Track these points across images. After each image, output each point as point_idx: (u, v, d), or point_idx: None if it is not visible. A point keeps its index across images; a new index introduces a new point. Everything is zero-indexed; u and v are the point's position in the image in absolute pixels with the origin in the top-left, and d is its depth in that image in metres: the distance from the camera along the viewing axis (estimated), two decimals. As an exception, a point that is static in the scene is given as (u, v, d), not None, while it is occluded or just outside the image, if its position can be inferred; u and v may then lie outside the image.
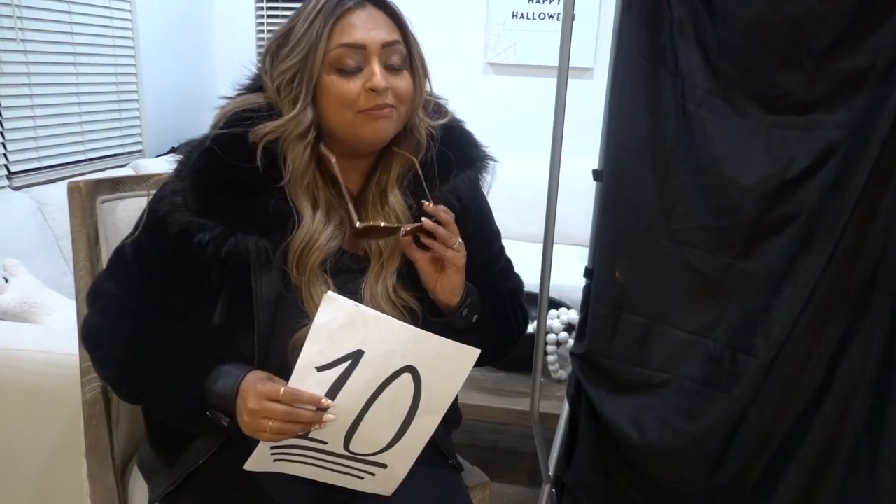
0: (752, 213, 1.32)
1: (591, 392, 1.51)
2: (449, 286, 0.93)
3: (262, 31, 3.75)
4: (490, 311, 1.01)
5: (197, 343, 0.91)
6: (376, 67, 0.88)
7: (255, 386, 0.83)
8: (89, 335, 0.97)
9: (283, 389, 0.80)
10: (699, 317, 1.41)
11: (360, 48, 0.88)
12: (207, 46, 3.76)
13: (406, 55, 0.93)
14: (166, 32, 3.36)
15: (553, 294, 1.73)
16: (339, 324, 0.81)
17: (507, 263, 1.13)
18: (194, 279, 0.91)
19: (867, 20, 1.18)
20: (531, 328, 1.74)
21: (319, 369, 0.82)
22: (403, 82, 0.92)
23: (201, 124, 3.57)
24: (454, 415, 1.12)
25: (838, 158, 1.24)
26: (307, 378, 0.82)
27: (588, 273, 1.51)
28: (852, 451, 1.34)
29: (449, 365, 0.86)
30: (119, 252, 0.97)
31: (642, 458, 1.46)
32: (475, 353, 0.85)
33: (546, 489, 1.54)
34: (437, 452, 1.06)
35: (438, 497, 0.99)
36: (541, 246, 1.54)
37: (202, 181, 0.89)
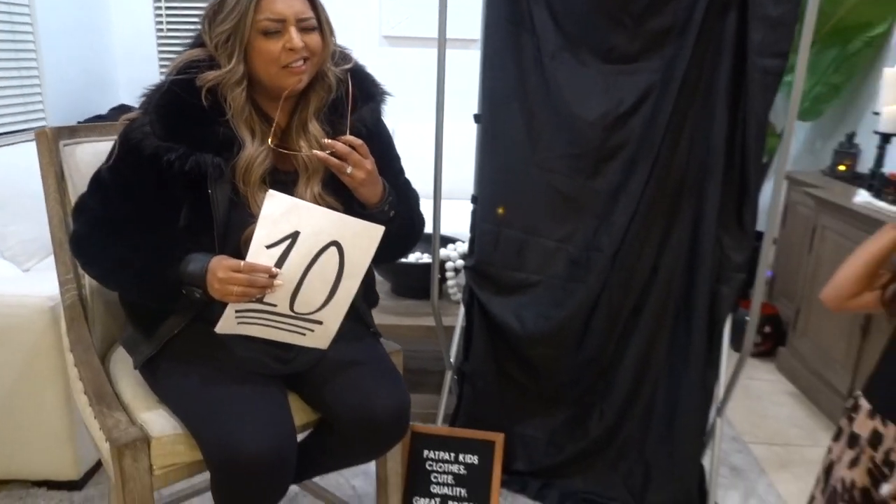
0: (595, 142, 1.70)
1: (481, 295, 1.86)
2: (367, 191, 1.23)
3: (159, 6, 3.82)
4: (402, 210, 1.32)
5: (167, 242, 1.17)
6: (293, 32, 1.16)
7: (221, 262, 1.10)
8: (77, 243, 1.21)
9: (243, 263, 1.09)
10: (562, 228, 1.79)
11: (281, 19, 1.15)
12: (105, 19, 3.79)
13: (316, 20, 1.21)
14: (65, 5, 3.39)
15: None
16: (280, 212, 1.08)
17: (407, 180, 1.44)
18: (162, 192, 1.16)
19: (667, -9, 1.57)
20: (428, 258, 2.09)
21: (268, 247, 1.09)
22: (314, 40, 1.19)
23: (105, 97, 3.73)
24: (372, 294, 1.43)
25: (654, 96, 1.64)
26: (260, 254, 1.10)
27: (474, 199, 1.85)
28: (674, 319, 1.77)
29: (363, 239, 1.12)
30: (97, 176, 1.20)
31: (524, 344, 1.83)
32: (380, 229, 1.13)
33: (448, 375, 1.89)
34: (362, 324, 1.37)
35: (364, 351, 1.31)
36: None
37: (166, 114, 1.14)
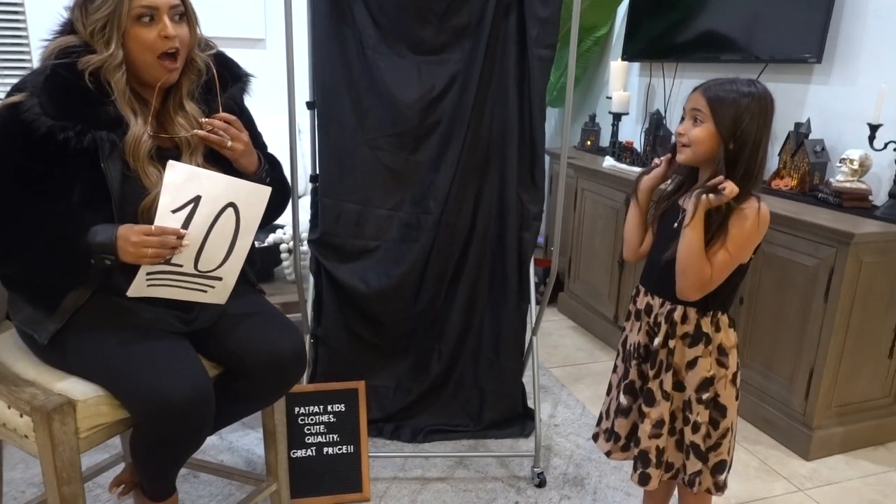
0: (414, 121, 2.00)
1: (327, 265, 2.07)
2: (245, 161, 1.37)
3: None
4: (274, 176, 1.49)
5: (66, 219, 1.20)
6: (167, 21, 1.27)
7: (132, 229, 1.18)
8: None
9: (153, 226, 1.18)
10: (392, 198, 2.06)
11: (153, 7, 1.25)
12: None
13: (184, 11, 1.33)
14: None
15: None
16: (182, 179, 1.20)
17: (270, 152, 1.60)
18: (54, 170, 1.20)
19: (462, -6, 1.92)
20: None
21: (173, 211, 1.21)
22: (184, 31, 1.31)
23: None
24: (253, 256, 1.58)
25: (460, 81, 1.98)
26: (167, 219, 1.20)
27: (313, 178, 2.05)
28: (491, 264, 2.14)
29: (254, 199, 1.27)
30: None
31: (369, 302, 2.07)
32: (268, 189, 1.29)
33: (307, 339, 2.06)
34: (248, 283, 1.52)
35: (256, 304, 1.46)
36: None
37: (56, 95, 1.18)
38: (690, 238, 1.29)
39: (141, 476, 1.38)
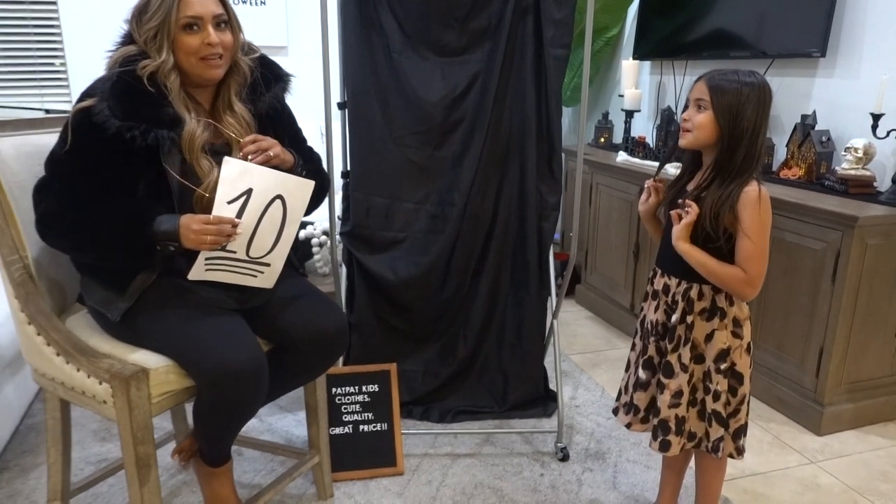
0: (439, 119, 2.13)
1: (359, 256, 2.20)
2: (281, 160, 1.48)
3: None
4: (311, 169, 1.62)
5: (133, 209, 1.35)
6: (210, 29, 1.41)
7: (193, 218, 1.32)
8: (46, 221, 1.34)
9: (212, 216, 1.32)
10: (419, 191, 2.19)
11: (199, 17, 1.40)
12: None
13: (227, 19, 1.47)
14: None
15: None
16: (236, 174, 1.34)
17: (310, 146, 1.72)
18: (122, 167, 1.34)
19: (481, 2, 2.05)
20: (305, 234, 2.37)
21: (229, 202, 1.35)
22: (227, 37, 1.45)
23: None
24: (296, 244, 1.71)
25: (481, 80, 2.11)
26: (222, 209, 1.34)
27: (345, 174, 2.18)
28: (513, 253, 2.27)
29: (299, 191, 1.41)
30: (54, 160, 1.35)
31: (398, 290, 2.20)
32: (311, 183, 1.42)
33: (341, 325, 2.19)
34: (293, 267, 1.65)
35: (301, 286, 1.59)
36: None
37: (122, 99, 1.32)
38: (693, 260, 1.43)
39: (202, 442, 1.51)
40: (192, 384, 1.37)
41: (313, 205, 1.68)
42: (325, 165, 1.78)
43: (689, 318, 1.50)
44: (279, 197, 1.41)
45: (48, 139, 1.52)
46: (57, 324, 1.39)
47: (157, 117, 1.36)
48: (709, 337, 1.49)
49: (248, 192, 1.37)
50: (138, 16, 1.40)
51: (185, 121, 1.40)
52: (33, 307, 1.40)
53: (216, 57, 1.43)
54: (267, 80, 1.55)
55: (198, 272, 1.38)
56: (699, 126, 1.41)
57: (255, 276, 1.46)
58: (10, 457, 2.02)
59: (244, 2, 3.89)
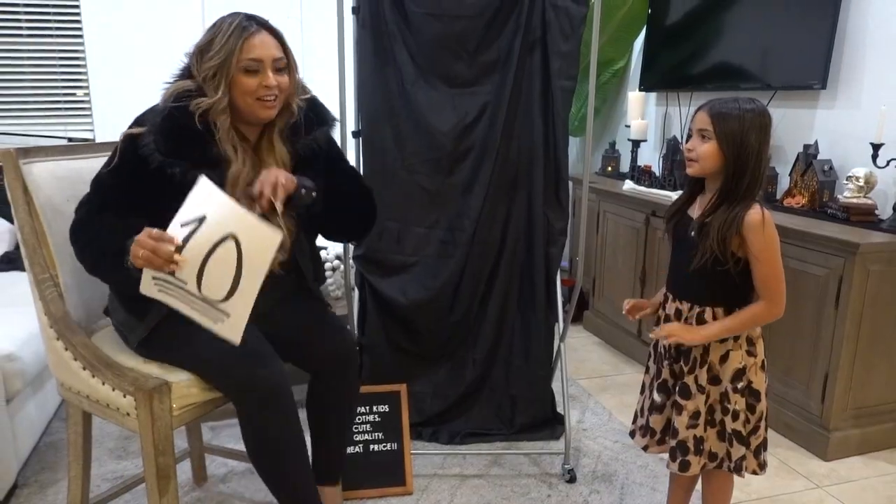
0: (449, 147, 2.20)
1: (371, 279, 2.26)
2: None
3: None
4: (343, 194, 1.60)
5: (130, 227, 1.28)
6: (269, 72, 1.43)
7: (143, 231, 1.24)
8: (74, 229, 1.39)
9: (154, 231, 1.23)
10: (430, 217, 2.26)
11: (259, 60, 1.42)
12: None
13: (286, 63, 1.48)
14: None
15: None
16: (200, 196, 1.24)
17: (357, 173, 1.78)
18: (156, 197, 1.34)
19: (492, 33, 2.14)
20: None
21: (182, 225, 1.24)
22: (284, 80, 1.47)
23: None
24: (320, 271, 1.77)
25: (490, 110, 2.19)
26: (174, 229, 1.24)
27: (358, 199, 2.25)
28: (521, 277, 2.32)
29: (260, 239, 1.22)
30: (97, 178, 1.41)
31: (409, 313, 2.25)
32: (277, 236, 1.23)
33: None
34: (313, 298, 1.71)
35: (312, 308, 1.66)
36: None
37: (168, 135, 1.37)
38: (717, 336, 1.48)
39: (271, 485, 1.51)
40: (215, 397, 1.42)
41: (363, 228, 1.74)
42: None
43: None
44: (232, 236, 1.25)
45: (79, 164, 1.61)
46: (84, 339, 1.45)
47: (200, 157, 1.39)
48: (724, 357, 1.51)
49: (201, 220, 1.25)
50: (199, 53, 1.42)
51: (229, 160, 1.42)
52: (62, 324, 1.46)
53: (272, 98, 1.45)
54: (311, 121, 1.57)
55: (147, 286, 1.29)
56: (704, 155, 1.44)
57: (216, 323, 1.30)
58: (30, 473, 2.07)
59: (262, 35, 4.03)
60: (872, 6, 2.45)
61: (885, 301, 2.20)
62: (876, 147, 2.31)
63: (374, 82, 2.15)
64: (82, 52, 3.52)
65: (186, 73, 1.46)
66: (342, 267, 2.59)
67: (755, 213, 1.42)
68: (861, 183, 2.35)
